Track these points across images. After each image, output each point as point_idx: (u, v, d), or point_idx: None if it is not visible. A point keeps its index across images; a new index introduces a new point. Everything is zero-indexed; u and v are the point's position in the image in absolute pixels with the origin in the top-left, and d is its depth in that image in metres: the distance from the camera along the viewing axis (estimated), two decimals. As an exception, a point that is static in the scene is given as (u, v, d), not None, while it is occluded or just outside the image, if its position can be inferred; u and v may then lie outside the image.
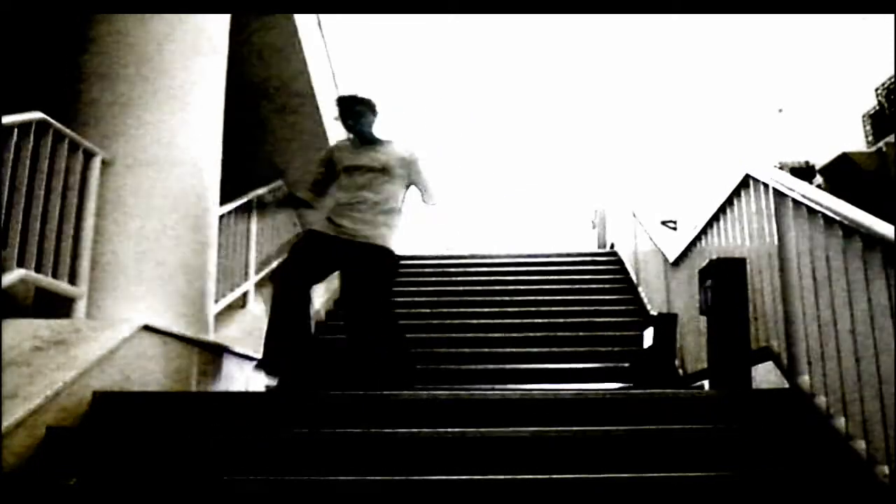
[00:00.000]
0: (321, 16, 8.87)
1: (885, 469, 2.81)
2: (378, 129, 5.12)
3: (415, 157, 5.04)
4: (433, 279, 9.22)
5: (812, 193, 3.62)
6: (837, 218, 3.24)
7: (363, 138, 5.09)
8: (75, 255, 4.52)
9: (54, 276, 4.34)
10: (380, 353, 4.75)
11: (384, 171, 4.94)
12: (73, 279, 4.48)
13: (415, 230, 11.76)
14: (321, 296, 7.98)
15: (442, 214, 17.05)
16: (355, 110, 5.05)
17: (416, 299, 8.42)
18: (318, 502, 2.88)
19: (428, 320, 7.71)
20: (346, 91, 5.36)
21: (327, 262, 4.95)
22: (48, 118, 4.30)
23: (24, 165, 4.14)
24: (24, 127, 4.14)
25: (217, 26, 5.54)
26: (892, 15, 7.82)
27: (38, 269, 4.18)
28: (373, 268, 4.81)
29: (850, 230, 3.14)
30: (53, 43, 5.85)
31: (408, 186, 5.09)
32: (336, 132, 6.83)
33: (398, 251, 4.95)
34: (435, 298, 8.50)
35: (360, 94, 5.12)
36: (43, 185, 4.30)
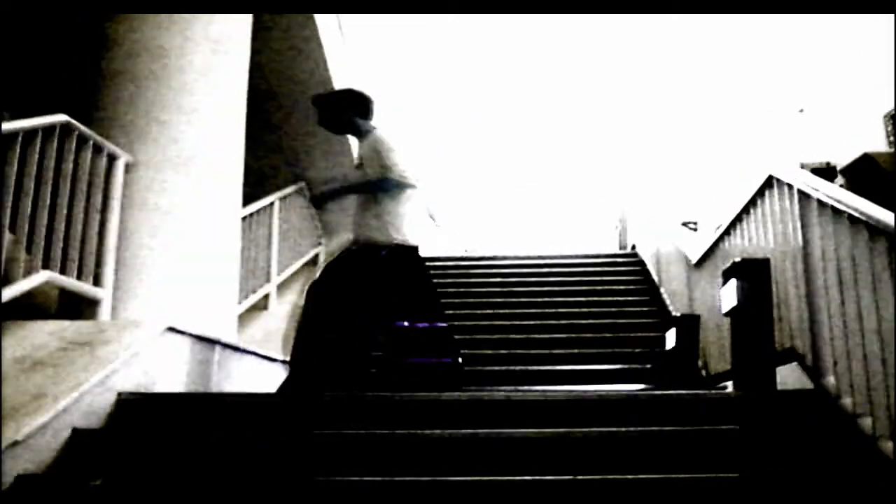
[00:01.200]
0: (341, 17, 8.88)
1: (914, 470, 2.79)
2: (367, 122, 4.82)
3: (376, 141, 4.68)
4: (455, 280, 9.20)
5: (837, 193, 3.60)
6: (863, 218, 3.22)
7: (357, 135, 4.91)
8: (99, 257, 4.56)
9: (79, 277, 4.39)
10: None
11: (360, 166, 4.76)
12: (97, 281, 4.52)
13: (438, 232, 11.76)
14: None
15: (466, 217, 17.10)
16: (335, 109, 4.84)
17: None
18: (340, 502, 2.88)
19: (449, 322, 7.67)
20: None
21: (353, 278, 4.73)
22: (72, 121, 4.34)
23: (48, 168, 4.17)
24: (48, 130, 4.17)
25: (238, 27, 5.56)
26: (893, 15, 7.77)
27: (62, 271, 4.22)
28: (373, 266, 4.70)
29: (876, 230, 3.11)
30: (75, 44, 5.90)
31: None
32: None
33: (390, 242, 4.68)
34: (457, 300, 8.47)
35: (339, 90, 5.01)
36: (67, 187, 4.34)
